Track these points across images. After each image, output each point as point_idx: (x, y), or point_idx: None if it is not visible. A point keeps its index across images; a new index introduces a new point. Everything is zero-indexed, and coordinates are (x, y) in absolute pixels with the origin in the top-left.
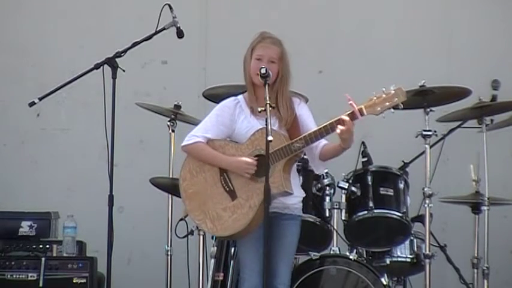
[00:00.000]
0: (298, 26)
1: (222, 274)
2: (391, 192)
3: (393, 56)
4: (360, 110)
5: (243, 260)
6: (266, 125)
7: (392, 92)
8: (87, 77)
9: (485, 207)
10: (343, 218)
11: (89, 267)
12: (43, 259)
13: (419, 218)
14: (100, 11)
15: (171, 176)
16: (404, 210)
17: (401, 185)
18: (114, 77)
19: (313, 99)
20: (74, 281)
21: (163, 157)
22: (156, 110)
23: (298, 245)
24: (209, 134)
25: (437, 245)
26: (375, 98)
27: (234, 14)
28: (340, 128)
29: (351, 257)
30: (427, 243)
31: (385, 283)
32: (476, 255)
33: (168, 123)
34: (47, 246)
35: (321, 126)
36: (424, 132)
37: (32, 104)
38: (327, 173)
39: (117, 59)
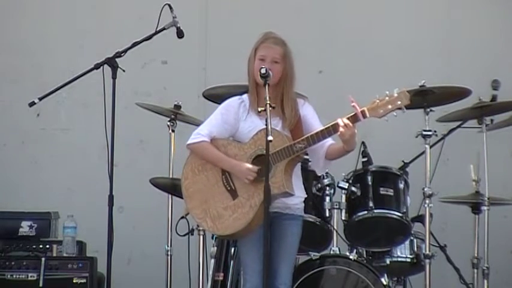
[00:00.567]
0: (298, 26)
1: (222, 274)
2: (391, 192)
3: (393, 56)
4: (363, 112)
5: (244, 261)
6: (266, 125)
7: (396, 95)
8: (87, 77)
9: (485, 207)
10: (343, 218)
11: (89, 267)
12: (43, 259)
13: (419, 218)
14: (100, 11)
15: (171, 176)
16: (404, 210)
17: (401, 185)
18: (114, 77)
19: (313, 99)
20: (74, 281)
21: (163, 157)
22: (156, 110)
23: (298, 245)
24: (214, 133)
25: (437, 245)
26: (377, 101)
27: (234, 14)
28: (341, 129)
29: (351, 257)
30: (427, 243)
31: (385, 283)
32: (476, 255)
33: (168, 123)
34: (47, 246)
35: (323, 127)
36: (424, 132)
37: (32, 104)
38: (327, 173)
39: (117, 59)
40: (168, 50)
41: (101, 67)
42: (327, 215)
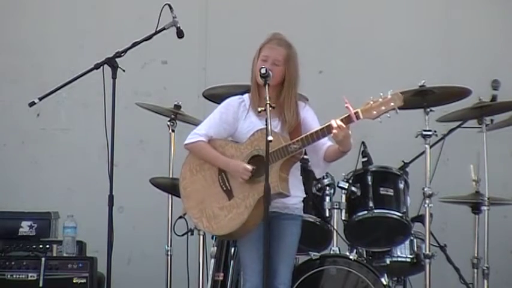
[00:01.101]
0: (298, 26)
1: (222, 274)
2: (391, 192)
3: (393, 56)
4: (356, 114)
5: (243, 261)
6: (266, 125)
7: (389, 96)
8: (87, 77)
9: (485, 207)
10: (343, 218)
11: (89, 267)
12: (43, 259)
13: (419, 218)
14: (100, 11)
15: (171, 176)
16: (404, 210)
17: (401, 185)
18: (114, 77)
19: (313, 99)
20: (74, 281)
21: (163, 157)
22: (156, 110)
23: (298, 245)
24: (211, 133)
25: (437, 245)
26: (371, 102)
27: (234, 14)
28: (334, 131)
29: (351, 257)
30: (427, 243)
31: (385, 283)
32: (476, 255)
33: (168, 123)
34: (47, 246)
35: (317, 128)
36: (424, 132)
37: (32, 104)
38: (327, 173)
39: (117, 59)
40: (168, 50)
41: (101, 67)
42: (327, 215)
